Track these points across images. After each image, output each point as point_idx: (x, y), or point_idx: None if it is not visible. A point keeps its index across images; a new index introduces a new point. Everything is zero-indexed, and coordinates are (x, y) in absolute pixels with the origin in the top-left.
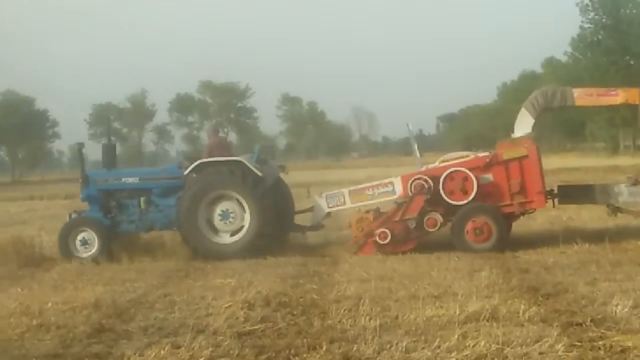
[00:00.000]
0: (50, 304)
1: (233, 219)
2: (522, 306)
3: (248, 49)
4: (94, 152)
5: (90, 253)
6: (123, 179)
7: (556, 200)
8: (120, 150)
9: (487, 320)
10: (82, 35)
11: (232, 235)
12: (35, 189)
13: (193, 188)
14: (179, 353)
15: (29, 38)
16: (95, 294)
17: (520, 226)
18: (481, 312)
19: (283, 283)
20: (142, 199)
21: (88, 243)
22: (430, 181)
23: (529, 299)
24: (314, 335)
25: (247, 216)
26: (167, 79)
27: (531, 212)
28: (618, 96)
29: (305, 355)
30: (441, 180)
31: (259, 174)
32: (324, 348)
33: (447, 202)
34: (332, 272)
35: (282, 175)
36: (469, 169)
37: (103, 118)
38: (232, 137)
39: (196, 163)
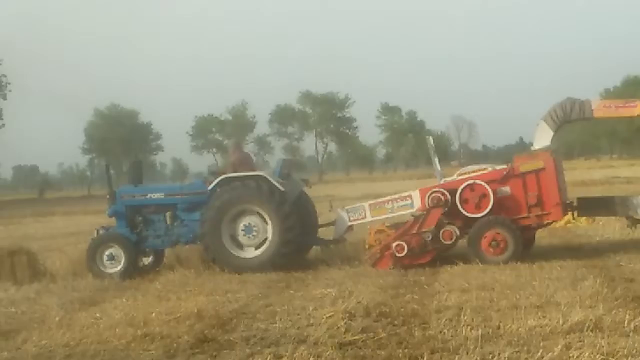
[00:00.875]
0: (154, 314)
1: (256, 233)
2: (628, 316)
3: (346, 56)
4: (195, 164)
5: (117, 269)
6: (149, 195)
7: (576, 212)
8: (222, 162)
9: (591, 331)
10: (190, 44)
11: (255, 249)
12: None
13: (217, 202)
14: None
15: (135, 50)
16: (198, 304)
17: (622, 235)
18: (585, 322)
19: (383, 293)
20: (167, 214)
21: (115, 259)
22: (447, 194)
23: (634, 308)
24: (415, 345)
25: (270, 230)
26: (267, 90)
27: (548, 225)
28: (636, 107)
29: None
30: (458, 193)
31: (282, 188)
32: (425, 359)
33: (464, 214)
34: (433, 282)
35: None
36: (486, 182)
37: (204, 130)
38: (332, 147)
39: (220, 178)
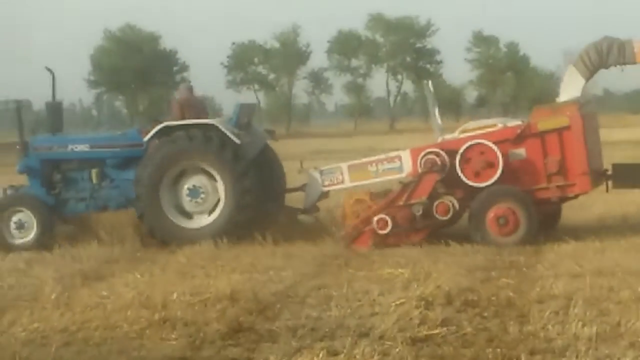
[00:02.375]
0: (175, 295)
1: (204, 197)
2: None
3: None
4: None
5: (26, 239)
6: (70, 147)
7: (610, 183)
8: (266, 101)
9: None
10: None
11: (202, 216)
12: None
13: (154, 158)
14: None
15: None
16: (232, 283)
17: None
18: None
19: (470, 276)
20: (93, 171)
21: (24, 227)
22: (445, 157)
23: None
24: (510, 344)
25: (222, 192)
26: (326, 12)
27: (573, 198)
28: None
29: None
30: (459, 155)
31: (238, 141)
32: None
33: (466, 183)
34: (534, 264)
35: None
36: (494, 142)
37: (244, 61)
38: (408, 86)
39: (159, 127)
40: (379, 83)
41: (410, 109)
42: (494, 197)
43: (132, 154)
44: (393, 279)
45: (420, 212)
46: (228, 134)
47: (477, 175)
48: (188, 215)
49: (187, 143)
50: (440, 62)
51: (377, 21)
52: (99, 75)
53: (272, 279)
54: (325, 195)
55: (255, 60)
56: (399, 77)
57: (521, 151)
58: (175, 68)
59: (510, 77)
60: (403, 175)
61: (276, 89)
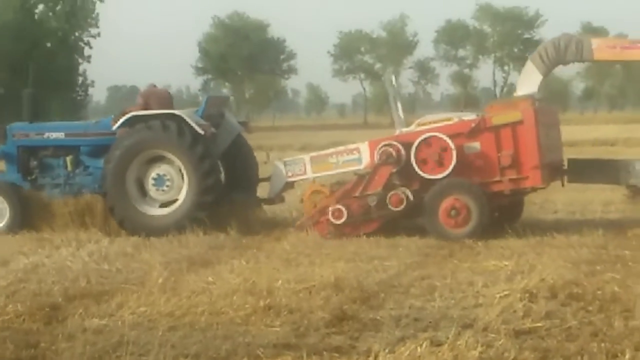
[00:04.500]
0: (280, 282)
1: (169, 186)
2: None
3: None
4: (336, 92)
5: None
6: (46, 134)
7: (565, 177)
8: (371, 90)
9: None
10: None
11: (165, 205)
12: (264, 137)
13: (119, 148)
14: (439, 352)
15: None
16: (336, 272)
17: None
18: None
19: (575, 269)
20: (68, 158)
21: None
22: (401, 149)
23: None
24: (615, 339)
25: (185, 180)
26: (433, 2)
27: (527, 192)
28: None
29: None
30: (413, 148)
31: (200, 130)
32: (627, 356)
33: (421, 175)
34: None
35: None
36: (449, 136)
37: (351, 50)
38: (515, 77)
39: (127, 116)
40: (485, 73)
41: None
42: (446, 190)
43: (104, 142)
44: (497, 271)
45: (375, 203)
46: (189, 121)
47: (431, 168)
48: (155, 204)
49: (147, 132)
50: None
51: (486, 11)
52: (206, 62)
53: (376, 268)
54: (289, 185)
55: (362, 49)
56: (506, 68)
57: (476, 145)
58: (282, 56)
59: (618, 69)
60: (362, 166)
61: (382, 78)
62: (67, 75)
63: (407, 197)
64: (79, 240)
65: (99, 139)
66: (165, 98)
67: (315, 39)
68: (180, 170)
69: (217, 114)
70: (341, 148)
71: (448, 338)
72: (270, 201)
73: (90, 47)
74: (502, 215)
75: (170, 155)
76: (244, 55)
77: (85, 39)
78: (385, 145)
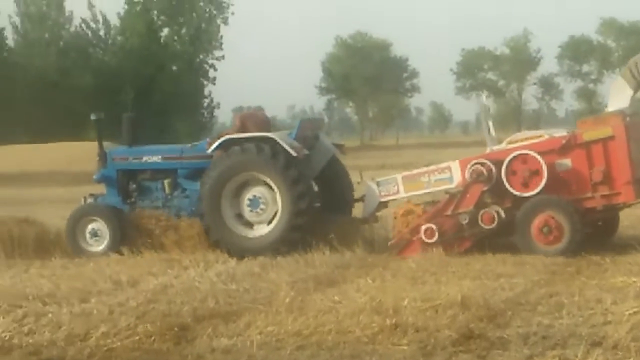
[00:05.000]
0: (407, 301)
1: (264, 208)
2: None
3: None
4: (459, 110)
5: (99, 248)
6: (144, 158)
7: None
8: (495, 107)
9: None
10: None
11: (262, 226)
12: (388, 155)
13: (214, 171)
14: None
15: None
16: (463, 290)
17: None
18: None
19: None
20: (166, 181)
21: (98, 235)
22: (492, 167)
23: None
24: None
25: (279, 202)
26: (556, 18)
27: (621, 208)
28: None
29: None
30: (504, 166)
31: (293, 153)
32: None
33: (512, 193)
34: None
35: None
36: (539, 153)
37: (474, 67)
38: None
39: (222, 139)
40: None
41: None
42: (537, 207)
43: (201, 165)
44: (626, 288)
45: (467, 221)
46: (282, 144)
47: (522, 185)
48: (250, 226)
49: (241, 155)
50: None
51: (610, 25)
52: (329, 82)
53: (502, 286)
54: (383, 205)
55: (485, 66)
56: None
57: (567, 161)
58: (405, 75)
59: None
60: (453, 185)
61: (506, 95)
62: (193, 98)
63: (499, 215)
64: (206, 260)
65: (195, 162)
66: (263, 121)
67: (437, 57)
68: (274, 192)
69: (312, 136)
70: (432, 167)
71: (577, 356)
72: (364, 221)
73: (215, 70)
74: (596, 232)
75: (264, 178)
76: (366, 75)
77: (210, 61)
78: (476, 163)
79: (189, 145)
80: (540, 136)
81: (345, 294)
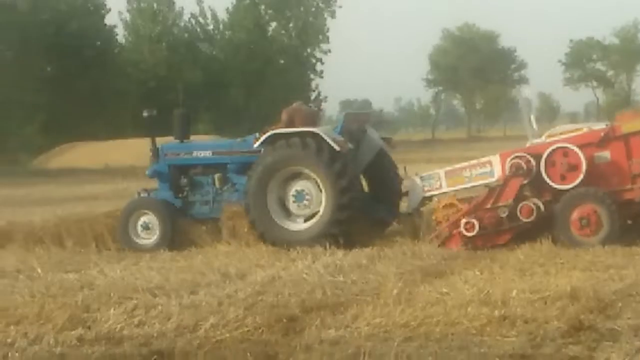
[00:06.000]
0: (515, 292)
1: (308, 202)
2: None
3: None
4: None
5: (150, 241)
6: (195, 153)
7: None
8: (604, 98)
9: None
10: None
11: (305, 220)
12: (493, 147)
13: (260, 165)
14: None
15: None
16: (572, 281)
17: None
18: None
19: None
20: (216, 176)
21: (149, 228)
22: (531, 161)
23: None
24: None
25: (323, 197)
26: None
27: None
28: None
29: None
30: (543, 159)
31: (337, 147)
32: None
33: (551, 186)
34: None
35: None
36: (578, 146)
37: (582, 58)
38: None
39: (267, 135)
40: None
41: None
42: (576, 199)
43: (250, 159)
44: None
45: (506, 214)
46: (326, 139)
47: (561, 178)
48: (294, 219)
49: (287, 150)
50: None
51: None
52: (436, 74)
53: (612, 277)
54: (427, 199)
55: (594, 56)
56: None
57: (606, 154)
58: (513, 66)
59: None
60: (494, 179)
61: (615, 86)
62: (300, 91)
63: (538, 208)
64: (314, 253)
65: (244, 157)
66: (310, 116)
67: (546, 48)
68: (319, 186)
69: (358, 130)
70: (474, 161)
71: None
72: (409, 215)
73: (322, 63)
74: (636, 223)
75: (309, 172)
76: (474, 66)
77: (317, 55)
78: (515, 157)
79: (239, 140)
80: (579, 129)
81: (453, 286)
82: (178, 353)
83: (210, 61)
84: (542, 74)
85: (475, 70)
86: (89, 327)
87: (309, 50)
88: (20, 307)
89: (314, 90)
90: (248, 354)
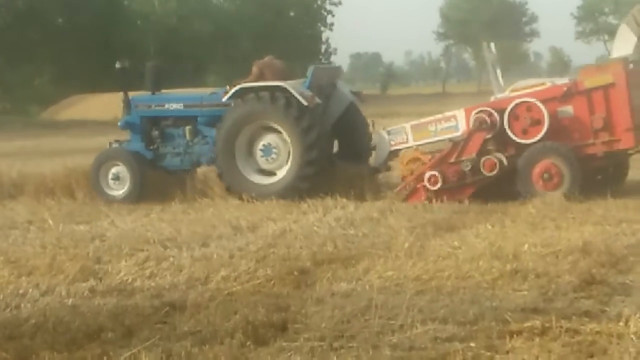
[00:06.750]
0: (526, 246)
1: (276, 156)
2: None
3: None
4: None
5: (120, 192)
6: (167, 105)
7: None
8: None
9: None
10: None
11: (271, 174)
12: None
13: (228, 119)
14: None
15: None
16: (583, 235)
17: None
18: None
19: None
20: (187, 128)
21: (119, 179)
22: (495, 115)
23: None
24: None
25: (290, 151)
26: None
27: (623, 155)
28: None
29: None
30: (506, 113)
31: (304, 102)
32: None
33: (514, 140)
34: None
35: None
36: (541, 100)
37: (595, 11)
38: None
39: (235, 88)
40: None
41: None
42: (538, 153)
43: (220, 112)
44: None
45: (469, 168)
46: (294, 93)
47: (524, 132)
48: (263, 172)
49: (256, 104)
50: None
51: None
52: (447, 28)
53: (624, 232)
54: (394, 154)
55: (606, 10)
56: None
57: (568, 108)
58: (524, 19)
59: None
60: (459, 133)
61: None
62: (310, 44)
63: (501, 162)
64: (325, 206)
65: (214, 110)
66: (281, 70)
67: (557, 1)
68: (286, 141)
69: (328, 85)
70: (439, 116)
71: None
72: (376, 170)
73: (333, 15)
74: (605, 178)
75: (277, 126)
76: (485, 20)
77: (328, 7)
78: (479, 111)
79: (209, 92)
80: (542, 84)
81: (465, 240)
82: (189, 305)
83: (220, 12)
84: (554, 28)
85: (486, 24)
86: (101, 279)
87: (319, 2)
88: (31, 259)
89: (324, 43)
90: (259, 306)
